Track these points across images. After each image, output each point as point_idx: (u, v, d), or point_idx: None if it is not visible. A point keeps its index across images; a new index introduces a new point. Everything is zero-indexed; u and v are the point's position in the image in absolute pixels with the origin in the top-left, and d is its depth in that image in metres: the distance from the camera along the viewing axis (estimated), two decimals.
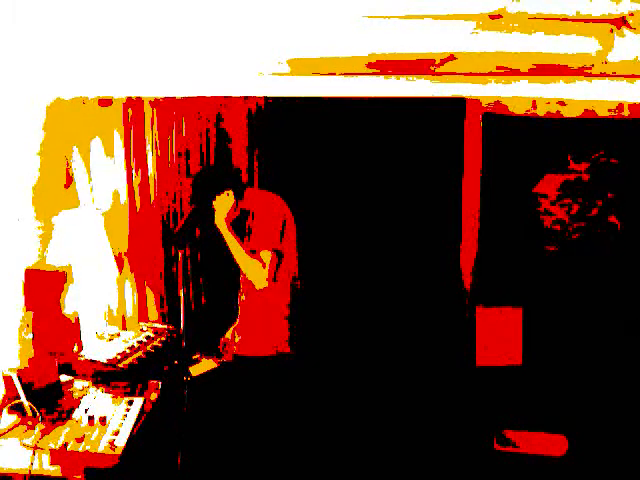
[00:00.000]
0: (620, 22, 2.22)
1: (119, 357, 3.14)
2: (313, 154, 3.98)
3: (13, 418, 2.66)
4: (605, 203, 4.01)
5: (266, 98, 3.90)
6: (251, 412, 3.16)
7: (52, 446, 2.32)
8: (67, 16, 2.22)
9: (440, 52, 2.65)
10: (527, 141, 3.99)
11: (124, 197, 3.97)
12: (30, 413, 2.64)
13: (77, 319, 3.45)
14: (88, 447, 2.30)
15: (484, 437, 3.79)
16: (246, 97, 3.90)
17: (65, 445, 2.31)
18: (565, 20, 2.25)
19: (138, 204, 4.00)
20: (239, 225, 3.14)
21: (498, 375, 4.06)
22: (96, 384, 2.99)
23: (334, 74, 3.23)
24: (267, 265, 3.01)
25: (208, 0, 2.11)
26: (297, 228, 3.21)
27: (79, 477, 2.27)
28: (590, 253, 4.05)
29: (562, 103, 3.91)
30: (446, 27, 2.33)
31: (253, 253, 3.03)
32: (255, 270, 3.01)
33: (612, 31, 2.31)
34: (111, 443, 2.33)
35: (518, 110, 3.96)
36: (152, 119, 3.94)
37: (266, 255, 3.02)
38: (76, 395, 2.89)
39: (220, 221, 3.07)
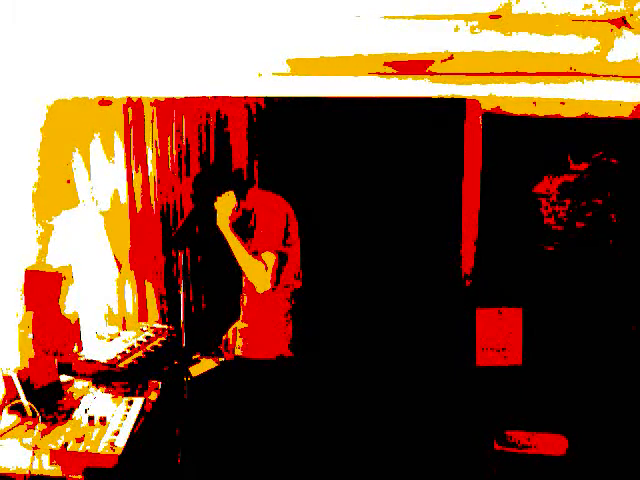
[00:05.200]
0: (620, 22, 2.23)
1: (119, 357, 3.14)
2: (313, 154, 3.98)
3: (13, 418, 2.66)
4: (605, 203, 4.01)
5: (266, 98, 3.90)
6: (251, 413, 3.16)
7: (52, 446, 2.32)
8: (67, 16, 2.22)
9: (440, 52, 2.65)
10: (527, 141, 3.99)
11: (124, 197, 3.98)
12: (30, 413, 2.64)
13: (77, 319, 3.45)
14: (88, 447, 2.30)
15: (484, 437, 3.79)
16: (246, 97, 3.90)
17: (65, 445, 2.31)
18: (565, 20, 2.25)
19: (138, 204, 4.00)
20: (241, 226, 3.13)
21: (498, 375, 4.06)
22: (96, 384, 2.99)
23: (334, 74, 3.24)
24: (269, 268, 2.99)
25: (208, 1, 2.11)
26: (299, 229, 3.20)
27: (79, 477, 2.27)
28: (590, 253, 4.05)
29: (562, 103, 3.90)
30: (446, 27, 2.34)
31: (255, 254, 3.00)
32: (257, 272, 2.98)
33: (612, 31, 2.32)
34: (111, 443, 2.33)
35: (518, 110, 3.96)
36: (152, 119, 3.94)
37: (269, 257, 2.99)
38: (76, 395, 2.89)
39: (223, 222, 3.04)
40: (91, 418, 2.50)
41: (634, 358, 4.01)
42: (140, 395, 2.83)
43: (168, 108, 3.93)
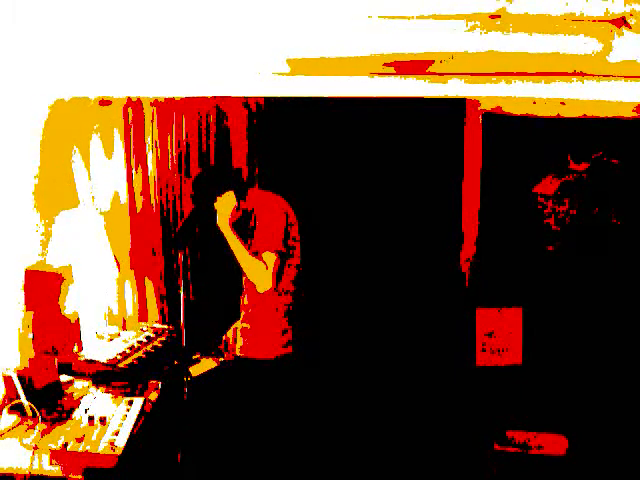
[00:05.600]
0: (620, 22, 2.22)
1: (119, 357, 3.14)
2: (314, 154, 3.98)
3: (13, 418, 2.66)
4: (605, 203, 4.01)
5: (266, 98, 3.90)
6: (251, 412, 3.16)
7: (52, 446, 2.33)
8: (67, 16, 2.22)
9: (440, 52, 2.65)
10: (527, 141, 3.99)
11: (124, 197, 3.97)
12: (30, 413, 2.64)
13: (77, 319, 3.45)
14: (88, 447, 2.31)
15: (484, 437, 3.79)
16: (246, 97, 3.90)
17: (65, 445, 2.31)
18: (565, 20, 2.25)
19: (138, 204, 4.00)
20: (241, 226, 3.13)
21: (498, 375, 4.06)
22: (96, 384, 2.99)
23: (334, 74, 3.23)
24: (270, 267, 2.99)
25: (208, 1, 2.11)
26: (299, 229, 3.20)
27: (79, 477, 2.27)
28: (590, 253, 4.05)
29: (562, 103, 3.90)
30: (446, 27, 2.33)
31: (256, 254, 3.00)
32: (258, 272, 2.98)
33: (612, 31, 2.31)
34: (111, 443, 2.33)
35: (518, 110, 3.96)
36: (152, 119, 3.94)
37: (269, 257, 2.99)
38: (76, 395, 2.89)
39: (223, 223, 3.04)
40: (91, 418, 2.50)
41: (634, 358, 4.00)
42: (140, 395, 2.83)
43: (168, 108, 3.93)
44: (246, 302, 3.24)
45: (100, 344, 3.39)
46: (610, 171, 3.98)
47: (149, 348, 3.33)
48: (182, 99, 3.90)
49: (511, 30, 2.37)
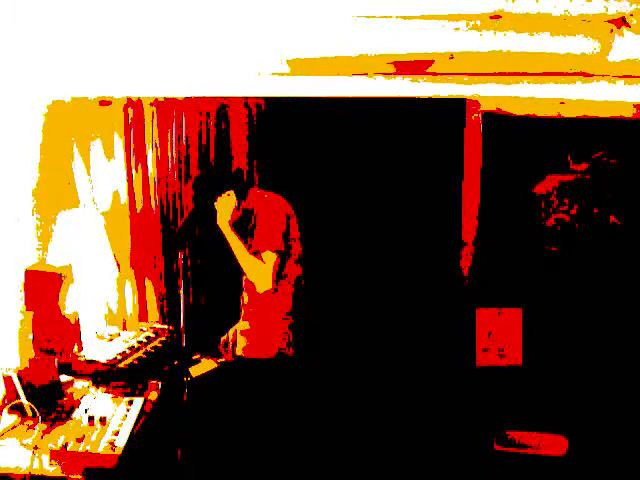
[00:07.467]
0: (620, 22, 2.23)
1: (119, 357, 3.14)
2: (314, 154, 3.97)
3: (13, 418, 2.66)
4: (605, 203, 4.01)
5: (266, 98, 3.90)
6: (251, 413, 3.16)
7: (52, 446, 2.32)
8: (67, 17, 2.22)
9: (440, 52, 2.65)
10: (527, 141, 3.99)
11: (124, 197, 3.98)
12: (30, 413, 2.64)
13: (77, 319, 3.45)
14: (88, 447, 2.30)
15: (484, 437, 3.79)
16: (246, 97, 3.90)
17: (65, 445, 2.31)
18: (565, 20, 2.25)
19: (138, 204, 4.00)
20: (241, 226, 3.13)
21: (498, 375, 4.06)
22: (96, 384, 2.99)
23: (334, 74, 3.24)
24: (270, 267, 2.99)
25: (208, 1, 2.11)
26: (299, 228, 3.19)
27: (79, 477, 2.27)
28: (590, 253, 4.05)
29: (562, 103, 3.90)
30: (446, 27, 2.34)
31: (256, 254, 3.00)
32: (258, 272, 2.99)
33: (612, 31, 2.32)
34: (111, 443, 2.33)
35: (518, 110, 3.96)
36: (152, 119, 3.94)
37: (269, 256, 2.99)
38: (76, 395, 2.89)
39: (223, 222, 3.05)
40: (91, 418, 2.50)
41: (634, 358, 4.00)
42: (140, 395, 2.83)
43: (168, 108, 3.93)
44: (246, 302, 3.24)
45: (100, 344, 3.39)
46: (610, 171, 3.98)
47: (149, 348, 3.34)
48: (182, 99, 3.91)
49: (511, 30, 2.37)
